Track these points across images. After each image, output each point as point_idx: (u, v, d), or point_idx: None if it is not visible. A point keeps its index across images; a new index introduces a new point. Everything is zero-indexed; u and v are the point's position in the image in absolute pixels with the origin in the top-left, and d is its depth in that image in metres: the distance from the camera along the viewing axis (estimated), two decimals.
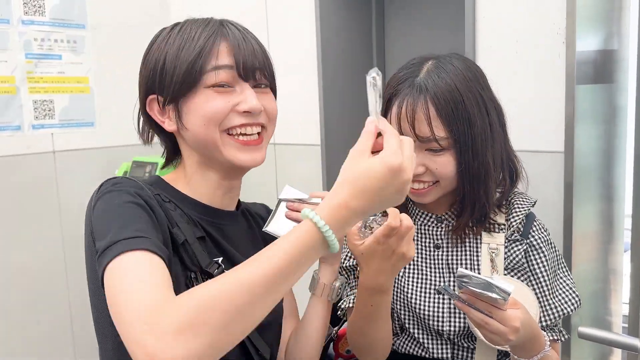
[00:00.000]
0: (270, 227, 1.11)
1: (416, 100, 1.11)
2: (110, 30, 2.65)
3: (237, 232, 1.12)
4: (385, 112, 1.16)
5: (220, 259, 1.03)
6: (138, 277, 0.80)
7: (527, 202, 1.26)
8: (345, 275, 1.30)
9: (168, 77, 1.01)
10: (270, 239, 1.05)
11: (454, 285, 1.13)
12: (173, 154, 1.14)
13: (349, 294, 1.27)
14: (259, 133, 1.04)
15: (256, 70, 1.02)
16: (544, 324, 1.21)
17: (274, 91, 1.10)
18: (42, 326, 2.52)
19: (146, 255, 0.84)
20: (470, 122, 1.13)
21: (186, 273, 0.98)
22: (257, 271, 0.75)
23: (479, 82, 1.18)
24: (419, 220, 1.26)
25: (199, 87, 0.99)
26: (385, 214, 1.00)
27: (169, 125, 1.06)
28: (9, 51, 2.36)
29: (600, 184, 1.73)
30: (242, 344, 1.03)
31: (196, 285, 0.88)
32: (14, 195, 2.40)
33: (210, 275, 0.98)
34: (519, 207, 1.24)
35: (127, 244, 0.84)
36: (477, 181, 1.17)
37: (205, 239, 1.04)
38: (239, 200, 1.18)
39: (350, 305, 1.24)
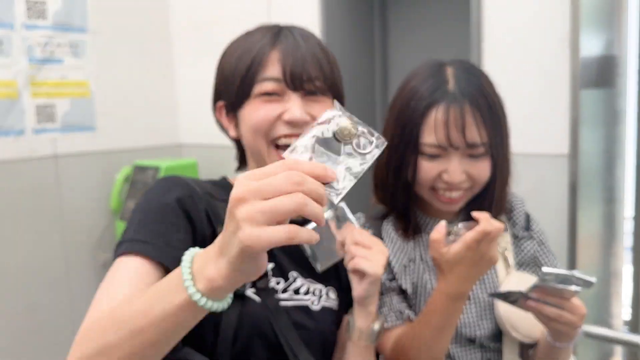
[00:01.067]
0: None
1: (462, 108, 1.10)
2: (111, 35, 2.66)
3: None
4: (423, 119, 1.12)
5: None
6: (106, 285, 0.87)
7: (520, 202, 1.29)
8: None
9: (229, 85, 1.04)
10: None
11: (508, 292, 1.09)
12: (244, 157, 1.15)
13: (384, 313, 1.19)
14: None
15: (304, 80, 1.01)
16: None
17: (339, 98, 1.07)
18: (43, 332, 2.52)
19: (136, 260, 0.87)
20: (501, 125, 1.16)
21: None
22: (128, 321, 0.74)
23: (493, 84, 1.20)
24: (431, 229, 1.22)
25: (251, 97, 1.01)
26: (470, 219, 0.99)
27: (232, 132, 1.09)
28: (11, 56, 2.36)
29: (602, 186, 1.77)
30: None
31: None
32: (16, 199, 2.40)
33: None
34: (518, 207, 1.28)
35: (128, 245, 0.89)
36: (505, 184, 1.20)
37: None
38: None
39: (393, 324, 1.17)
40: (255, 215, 0.60)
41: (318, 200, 0.62)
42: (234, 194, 0.62)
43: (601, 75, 1.70)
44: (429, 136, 1.12)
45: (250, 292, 0.98)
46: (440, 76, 1.15)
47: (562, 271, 0.98)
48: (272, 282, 1.02)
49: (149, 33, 2.81)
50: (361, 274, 0.99)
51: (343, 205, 1.04)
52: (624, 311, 1.88)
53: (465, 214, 1.23)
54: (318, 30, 2.25)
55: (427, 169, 1.13)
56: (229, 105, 1.05)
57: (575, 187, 1.64)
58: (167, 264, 0.87)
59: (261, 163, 1.02)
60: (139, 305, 0.72)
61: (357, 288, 1.00)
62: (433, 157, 1.13)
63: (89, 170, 2.61)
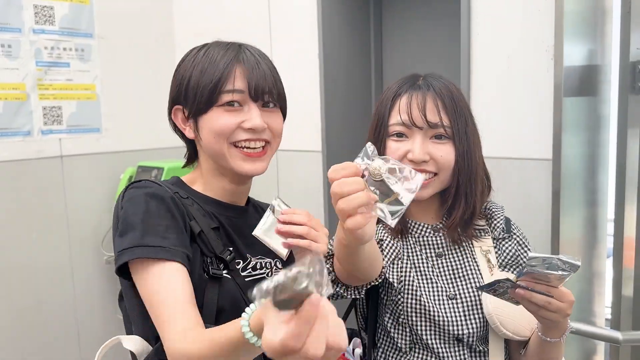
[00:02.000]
0: (259, 232, 1.17)
1: (425, 94, 1.25)
2: (116, 40, 2.75)
3: (245, 223, 1.26)
4: (391, 107, 1.27)
5: (231, 248, 1.18)
6: (162, 296, 1.01)
7: (499, 207, 1.37)
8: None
9: (191, 95, 1.17)
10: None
11: (496, 282, 1.12)
12: (194, 155, 1.30)
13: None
14: (263, 147, 1.20)
15: (265, 92, 1.16)
16: None
17: (283, 111, 1.25)
18: (48, 328, 2.59)
19: (166, 267, 1.03)
20: (466, 120, 1.26)
21: (203, 258, 1.12)
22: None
23: (462, 93, 1.32)
24: (417, 232, 1.33)
25: (214, 105, 1.15)
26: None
27: (189, 133, 1.22)
28: (20, 59, 2.44)
29: (584, 190, 1.84)
30: None
31: (211, 268, 1.11)
32: (23, 198, 2.49)
33: (224, 261, 1.14)
34: (496, 213, 1.35)
35: (151, 250, 1.03)
36: (470, 176, 1.26)
37: (219, 230, 1.18)
38: (248, 197, 1.33)
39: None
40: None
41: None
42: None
43: (584, 83, 1.78)
44: (395, 117, 1.25)
45: (224, 273, 1.14)
46: (411, 78, 1.30)
47: (548, 255, 1.03)
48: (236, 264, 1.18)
49: (153, 39, 2.89)
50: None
51: (277, 201, 1.20)
52: (606, 310, 1.95)
53: (447, 214, 1.30)
54: (317, 36, 2.33)
55: (394, 149, 1.24)
56: (189, 111, 1.18)
57: (559, 190, 1.72)
58: (183, 262, 1.05)
59: (221, 161, 1.18)
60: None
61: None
62: (399, 137, 1.24)
63: (94, 170, 2.70)
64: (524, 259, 1.32)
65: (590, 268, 1.90)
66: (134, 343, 1.12)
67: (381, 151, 1.26)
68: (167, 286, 1.02)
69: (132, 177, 2.68)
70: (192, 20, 2.90)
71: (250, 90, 1.14)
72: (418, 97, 1.24)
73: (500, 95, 1.84)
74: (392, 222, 0.88)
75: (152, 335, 1.10)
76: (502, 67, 1.82)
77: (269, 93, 1.17)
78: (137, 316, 1.13)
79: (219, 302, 1.11)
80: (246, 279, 1.19)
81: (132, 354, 1.13)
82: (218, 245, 1.14)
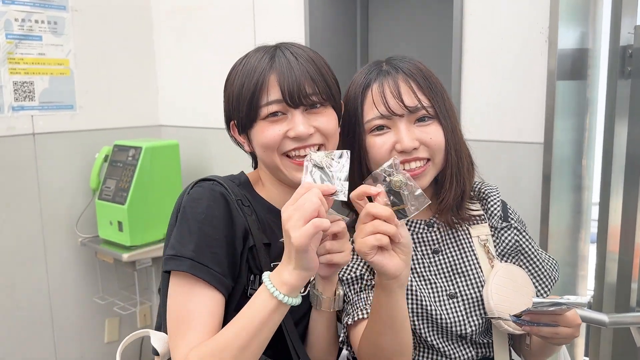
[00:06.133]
0: None
1: (395, 78, 1.16)
2: (91, 13, 2.64)
3: None
4: (362, 101, 1.18)
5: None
6: (189, 313, 1.03)
7: (494, 189, 1.32)
8: (347, 288, 1.22)
9: (236, 111, 1.15)
10: None
11: (498, 318, 1.15)
12: (256, 163, 1.30)
13: (349, 310, 1.19)
14: (318, 149, 1.14)
15: (305, 95, 1.10)
16: (542, 297, 1.27)
17: (336, 108, 1.18)
18: (20, 311, 2.51)
19: (204, 291, 1.05)
20: (442, 96, 1.19)
21: (248, 275, 1.12)
22: (234, 340, 0.97)
23: (430, 69, 1.23)
24: (410, 230, 1.25)
25: (258, 120, 1.12)
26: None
27: (247, 147, 1.22)
28: None
29: (572, 175, 1.84)
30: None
31: (250, 288, 1.12)
32: None
33: None
34: (492, 195, 1.30)
35: (200, 270, 1.04)
36: (458, 153, 1.21)
37: (270, 246, 1.16)
38: None
39: (360, 317, 1.16)
40: (295, 224, 0.91)
41: (325, 204, 0.94)
42: (283, 217, 0.93)
43: (575, 67, 1.77)
44: (371, 111, 1.16)
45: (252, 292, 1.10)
46: (375, 65, 1.21)
47: (554, 299, 1.01)
48: None
49: (130, 13, 2.79)
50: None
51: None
52: (589, 293, 1.97)
53: (436, 204, 1.24)
54: (303, 18, 2.27)
55: (379, 144, 1.16)
56: (239, 126, 1.17)
57: (549, 175, 1.71)
58: (224, 292, 1.07)
59: (275, 171, 1.17)
60: (237, 326, 0.98)
61: (327, 271, 1.08)
62: (380, 130, 1.16)
63: (68, 149, 2.60)
64: (524, 247, 1.28)
65: (576, 251, 1.91)
66: (162, 342, 1.11)
67: (359, 150, 1.19)
68: (198, 306, 1.03)
69: (108, 156, 2.59)
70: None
71: (285, 98, 1.09)
72: (389, 83, 1.16)
73: (492, 77, 1.82)
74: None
75: None
76: (495, 48, 1.79)
77: (307, 96, 1.11)
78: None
79: None
80: None
81: (154, 350, 1.11)
82: (267, 263, 1.12)
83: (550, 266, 1.30)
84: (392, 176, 0.98)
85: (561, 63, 1.69)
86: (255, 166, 1.30)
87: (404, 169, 1.14)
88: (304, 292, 1.20)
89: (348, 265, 1.21)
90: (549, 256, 1.33)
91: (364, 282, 1.20)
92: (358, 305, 1.17)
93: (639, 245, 1.73)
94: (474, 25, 1.82)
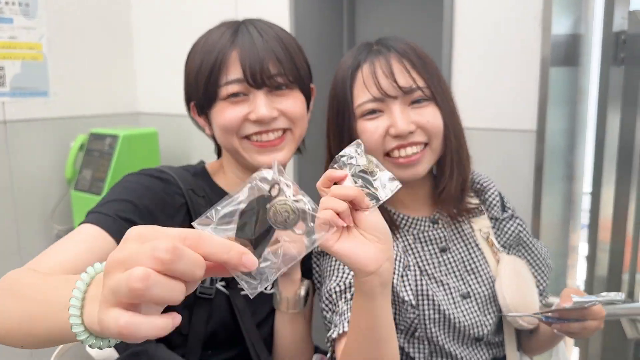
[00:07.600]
0: None
1: (387, 58, 1.07)
2: None
3: None
4: (351, 84, 1.09)
5: None
6: (57, 243, 0.93)
7: (489, 181, 1.27)
8: (338, 299, 1.07)
9: (195, 90, 1.07)
10: None
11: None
12: (220, 149, 1.22)
13: (336, 321, 1.04)
14: (283, 133, 1.06)
15: (269, 76, 1.02)
16: (542, 287, 1.26)
17: (304, 90, 1.09)
18: None
19: (91, 228, 0.93)
20: (438, 76, 1.11)
21: None
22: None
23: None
24: (415, 228, 1.17)
25: (217, 99, 1.03)
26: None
27: (207, 130, 1.14)
28: None
29: (564, 164, 1.81)
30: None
31: (201, 286, 1.00)
32: None
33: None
34: (488, 187, 1.25)
35: (91, 217, 0.94)
36: (459, 137, 1.14)
37: None
38: None
39: (347, 329, 0.96)
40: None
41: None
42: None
43: (568, 53, 1.73)
44: (362, 94, 1.08)
45: (219, 285, 1.03)
46: (365, 46, 1.13)
47: (591, 297, 1.02)
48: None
49: None
50: None
51: None
52: (578, 283, 1.95)
53: (436, 198, 1.18)
54: (288, 14, 2.19)
55: (372, 130, 1.08)
56: (198, 107, 1.09)
57: (542, 164, 1.68)
58: (117, 236, 0.91)
59: (236, 156, 1.08)
60: (31, 303, 0.68)
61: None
62: (373, 114, 1.08)
63: (42, 138, 2.49)
64: (526, 239, 1.25)
65: (567, 242, 1.89)
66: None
67: (350, 138, 1.08)
68: (75, 237, 0.91)
69: (84, 145, 2.50)
70: None
71: (247, 78, 1.00)
72: (381, 62, 1.07)
73: (483, 63, 1.77)
74: None
75: None
76: (486, 33, 1.74)
77: (271, 77, 1.02)
78: None
79: (208, 326, 1.00)
80: (242, 292, 1.07)
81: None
82: None
83: (546, 255, 1.28)
84: (356, 159, 0.86)
85: (555, 49, 1.64)
86: (219, 154, 1.22)
87: (399, 156, 1.08)
88: (270, 290, 1.13)
89: (338, 275, 1.09)
90: (542, 245, 1.30)
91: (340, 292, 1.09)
92: (346, 316, 1.00)
93: (630, 236, 1.71)
94: (465, 9, 1.77)
